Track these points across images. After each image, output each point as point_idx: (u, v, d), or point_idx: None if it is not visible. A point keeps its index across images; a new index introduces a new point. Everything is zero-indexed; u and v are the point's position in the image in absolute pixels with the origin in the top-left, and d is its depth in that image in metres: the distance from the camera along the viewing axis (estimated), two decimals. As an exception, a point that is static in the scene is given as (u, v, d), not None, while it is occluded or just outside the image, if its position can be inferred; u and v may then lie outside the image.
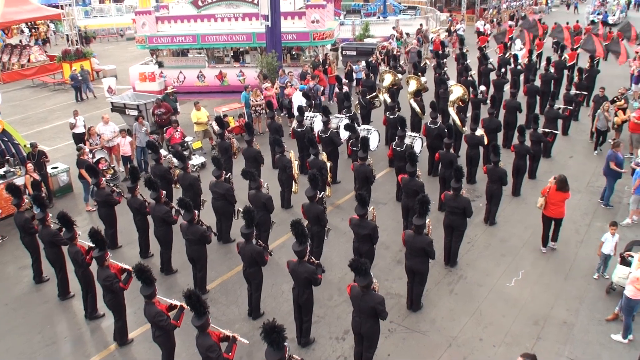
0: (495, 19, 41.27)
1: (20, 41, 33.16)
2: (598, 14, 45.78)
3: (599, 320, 9.91)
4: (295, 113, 16.31)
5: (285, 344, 6.74)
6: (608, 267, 11.02)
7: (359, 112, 18.80)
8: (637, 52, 25.09)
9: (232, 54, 25.59)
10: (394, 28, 32.28)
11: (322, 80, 21.24)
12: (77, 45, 30.37)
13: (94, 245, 9.23)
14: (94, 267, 9.60)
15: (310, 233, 10.19)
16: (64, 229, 9.99)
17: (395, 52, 27.64)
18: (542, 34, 30.50)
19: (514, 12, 46.85)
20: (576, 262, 11.72)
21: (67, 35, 30.90)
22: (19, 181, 13.44)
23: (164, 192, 11.43)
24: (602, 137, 17.34)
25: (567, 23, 35.23)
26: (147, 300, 8.22)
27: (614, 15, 45.89)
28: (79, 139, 17.14)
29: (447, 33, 33.83)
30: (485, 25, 37.16)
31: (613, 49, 24.78)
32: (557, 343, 9.40)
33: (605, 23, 42.45)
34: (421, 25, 34.41)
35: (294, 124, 16.12)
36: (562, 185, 11.41)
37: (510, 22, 38.57)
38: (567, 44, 26.48)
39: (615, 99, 18.10)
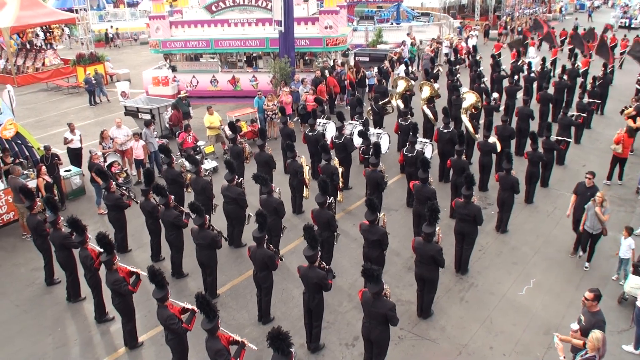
0: (509, 26, 41.13)
1: (35, 44, 33.34)
2: (622, 18, 46.48)
3: (610, 330, 9.79)
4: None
5: (291, 349, 6.75)
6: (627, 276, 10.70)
7: (371, 117, 18.83)
8: None
9: (245, 59, 25.66)
10: (408, 34, 32.24)
11: (322, 92, 21.20)
12: (89, 49, 30.61)
13: (102, 249, 9.27)
14: (103, 270, 9.63)
15: (320, 238, 10.18)
16: (74, 233, 10.03)
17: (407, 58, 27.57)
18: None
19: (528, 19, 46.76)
20: (588, 271, 11.62)
21: (80, 39, 30.85)
22: (31, 184, 13.54)
23: (172, 196, 11.45)
24: (590, 244, 11.64)
25: (577, 29, 35.08)
26: (160, 303, 8.23)
27: (636, 19, 46.58)
28: (74, 155, 16.67)
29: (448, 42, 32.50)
30: (466, 40, 33.85)
31: (636, 53, 24.70)
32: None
33: (629, 27, 43.06)
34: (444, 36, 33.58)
35: (307, 129, 16.17)
36: (631, 132, 15.34)
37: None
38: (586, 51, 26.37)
39: (625, 107, 17.93)
